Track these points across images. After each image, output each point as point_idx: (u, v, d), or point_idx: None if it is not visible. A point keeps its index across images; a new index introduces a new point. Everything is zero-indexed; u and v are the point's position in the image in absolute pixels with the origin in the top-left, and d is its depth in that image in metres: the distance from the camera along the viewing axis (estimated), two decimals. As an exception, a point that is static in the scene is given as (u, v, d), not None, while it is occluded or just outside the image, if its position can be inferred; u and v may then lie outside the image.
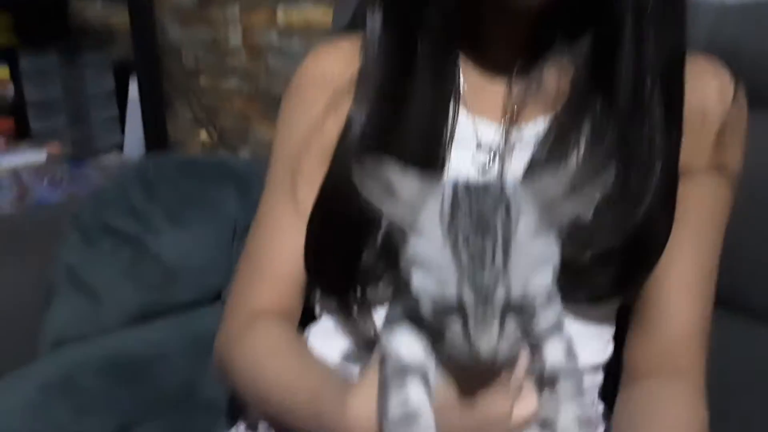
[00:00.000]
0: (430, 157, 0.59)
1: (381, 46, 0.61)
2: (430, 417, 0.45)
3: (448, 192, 0.42)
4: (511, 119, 0.61)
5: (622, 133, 0.57)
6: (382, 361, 0.48)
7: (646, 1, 0.55)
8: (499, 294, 0.39)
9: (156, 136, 2.08)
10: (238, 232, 1.04)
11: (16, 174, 1.77)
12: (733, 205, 0.64)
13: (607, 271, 0.57)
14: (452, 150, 0.61)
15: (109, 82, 2.19)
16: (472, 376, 0.47)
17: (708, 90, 0.60)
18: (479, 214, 0.40)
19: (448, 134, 0.60)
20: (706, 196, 0.61)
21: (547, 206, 0.41)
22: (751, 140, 0.64)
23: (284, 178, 0.66)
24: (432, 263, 0.41)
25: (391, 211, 0.42)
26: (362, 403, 0.49)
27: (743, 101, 0.62)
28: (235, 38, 1.99)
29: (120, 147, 2.25)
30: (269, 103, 1.92)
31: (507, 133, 0.61)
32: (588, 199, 0.42)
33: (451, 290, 0.40)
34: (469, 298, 0.40)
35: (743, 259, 0.72)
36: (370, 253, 0.58)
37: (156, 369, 0.92)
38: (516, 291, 0.40)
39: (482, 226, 0.40)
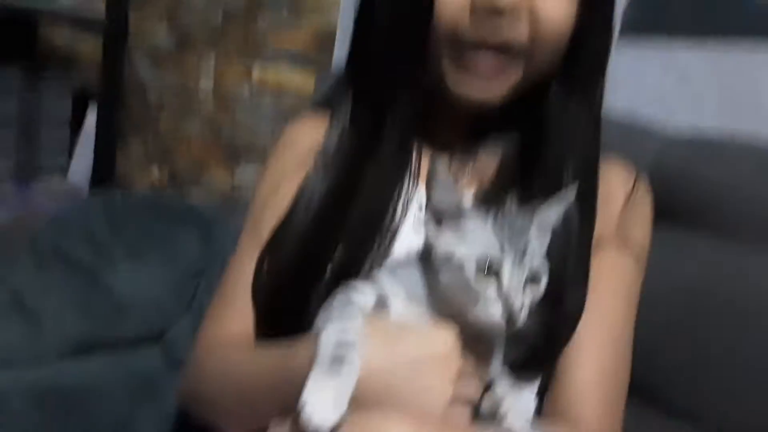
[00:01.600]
0: (382, 218, 0.68)
1: (348, 125, 0.72)
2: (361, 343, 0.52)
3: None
4: None
5: None
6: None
7: (569, 108, 0.67)
8: (527, 259, 0.52)
9: (104, 167, 2.05)
10: (195, 277, 1.06)
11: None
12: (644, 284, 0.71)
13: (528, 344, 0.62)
14: (406, 214, 0.70)
15: (67, 108, 2.16)
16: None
17: (614, 179, 0.71)
18: (503, 211, 0.55)
19: (401, 201, 0.70)
20: (613, 267, 0.68)
21: (533, 213, 0.56)
22: (689, 258, 0.73)
23: (256, 220, 0.75)
24: (480, 235, 0.53)
25: (442, 197, 0.55)
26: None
27: (644, 188, 0.73)
28: (206, 86, 2.03)
29: (64, 172, 2.19)
30: (230, 152, 1.94)
31: None
32: (558, 209, 0.57)
33: (496, 250, 0.52)
34: (509, 256, 0.52)
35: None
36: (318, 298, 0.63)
37: (89, 404, 0.90)
38: (535, 261, 0.53)
39: (509, 218, 0.54)
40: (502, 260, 0.52)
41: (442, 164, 0.55)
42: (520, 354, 0.61)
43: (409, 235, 0.68)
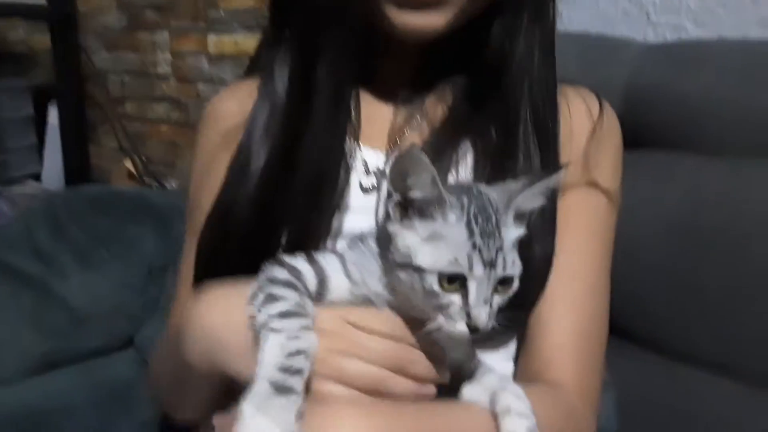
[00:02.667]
0: (323, 184, 0.62)
1: (280, 79, 0.64)
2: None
3: (454, 189, 0.49)
4: (394, 145, 0.64)
5: (499, 162, 0.60)
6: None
7: (522, 42, 0.60)
8: (499, 269, 0.46)
9: (77, 165, 1.98)
10: (153, 273, 0.99)
11: None
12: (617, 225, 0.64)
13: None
14: (349, 179, 0.64)
15: (28, 108, 2.08)
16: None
17: (576, 112, 0.64)
18: (479, 203, 0.47)
19: (344, 162, 0.63)
20: (582, 209, 0.62)
21: (507, 200, 0.49)
22: (669, 176, 0.65)
23: (192, 205, 0.71)
24: (447, 238, 0.47)
25: (422, 187, 0.47)
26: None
27: (611, 118, 0.66)
28: (164, 64, 1.93)
29: (37, 177, 2.13)
30: (199, 131, 1.86)
31: (390, 158, 0.64)
32: (536, 197, 0.50)
33: (464, 261, 0.46)
34: (479, 269, 0.46)
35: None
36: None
37: (61, 422, 0.85)
38: (507, 267, 0.47)
39: (484, 214, 0.47)
40: (471, 268, 0.45)
41: (421, 151, 0.46)
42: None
43: (359, 200, 0.62)
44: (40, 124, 2.12)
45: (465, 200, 0.47)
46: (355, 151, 0.64)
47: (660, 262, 0.74)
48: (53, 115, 2.03)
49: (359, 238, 0.54)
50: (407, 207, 0.48)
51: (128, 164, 2.02)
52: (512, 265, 0.47)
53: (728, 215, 0.70)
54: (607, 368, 0.71)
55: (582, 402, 0.58)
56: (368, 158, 0.64)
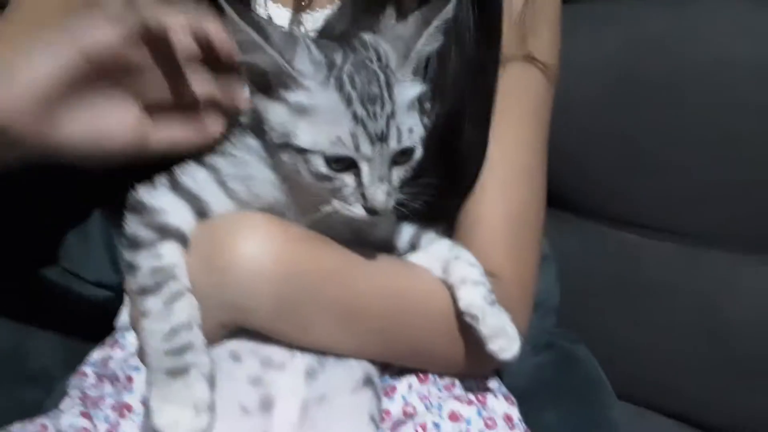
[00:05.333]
0: None
1: None
2: (183, 271, 0.42)
3: (311, 43, 0.41)
4: (302, 6, 0.57)
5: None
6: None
7: None
8: (392, 142, 0.40)
9: None
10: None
11: None
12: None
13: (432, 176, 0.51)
14: None
15: None
16: None
17: None
18: (357, 61, 0.40)
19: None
20: (517, 86, 0.57)
21: (404, 49, 0.42)
22: (609, 23, 0.63)
23: None
24: (320, 112, 0.39)
25: (260, 60, 0.39)
26: None
27: None
28: None
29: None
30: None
31: (298, 18, 0.57)
32: (434, 36, 0.43)
33: (347, 140, 0.39)
34: (366, 148, 0.39)
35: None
36: None
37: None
38: (403, 138, 0.40)
39: (366, 74, 0.39)
40: (357, 147, 0.39)
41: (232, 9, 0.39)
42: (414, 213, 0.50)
43: None
44: None
45: (338, 59, 0.40)
46: (259, 5, 0.57)
47: (598, 120, 0.72)
48: None
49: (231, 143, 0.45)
50: (265, 76, 0.41)
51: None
52: (409, 134, 0.41)
53: (668, 64, 0.68)
54: (547, 242, 0.70)
55: (518, 291, 0.56)
56: (273, 14, 0.57)
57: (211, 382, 0.40)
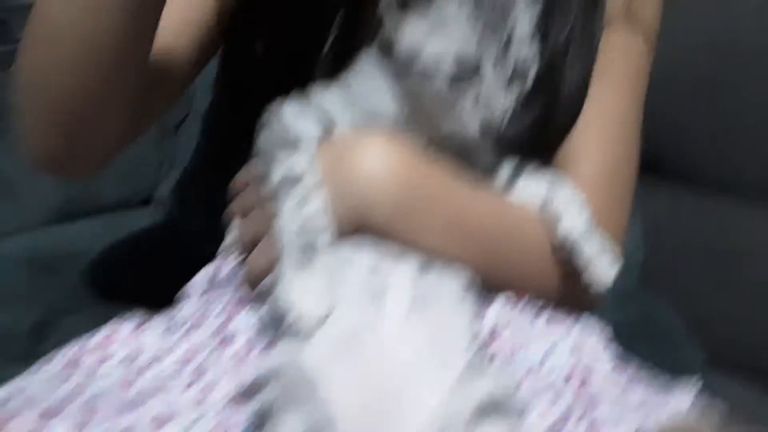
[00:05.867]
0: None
1: None
2: (313, 178, 0.46)
3: None
4: None
5: None
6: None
7: None
8: (512, 51, 0.43)
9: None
10: (168, 130, 1.00)
11: None
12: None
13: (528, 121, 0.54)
14: None
15: None
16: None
17: None
18: None
19: None
20: (620, 48, 0.61)
21: None
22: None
23: None
24: (447, 29, 0.43)
25: None
26: None
27: None
28: None
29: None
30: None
31: None
32: None
33: (470, 57, 0.42)
34: (488, 68, 0.43)
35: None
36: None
37: (80, 262, 0.86)
38: (522, 50, 0.43)
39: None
40: (481, 58, 0.43)
41: None
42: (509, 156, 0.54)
43: None
44: None
45: None
46: None
47: (698, 83, 0.72)
48: None
49: (362, 66, 0.50)
50: None
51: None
52: (529, 53, 0.44)
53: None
54: (636, 202, 0.71)
55: (608, 235, 0.56)
56: None
57: (337, 268, 0.44)
